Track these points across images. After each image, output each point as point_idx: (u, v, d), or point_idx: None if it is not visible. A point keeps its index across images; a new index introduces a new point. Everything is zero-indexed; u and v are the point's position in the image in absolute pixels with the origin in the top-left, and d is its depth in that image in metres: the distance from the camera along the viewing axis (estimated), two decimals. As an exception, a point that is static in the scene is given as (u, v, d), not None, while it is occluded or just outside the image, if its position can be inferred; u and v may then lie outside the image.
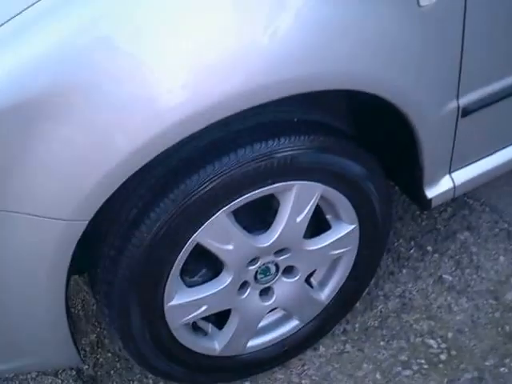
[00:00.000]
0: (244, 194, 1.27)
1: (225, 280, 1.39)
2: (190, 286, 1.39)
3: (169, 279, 1.31)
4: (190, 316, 1.40)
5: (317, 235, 1.48)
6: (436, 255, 1.91)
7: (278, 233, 1.36)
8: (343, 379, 1.66)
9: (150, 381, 1.71)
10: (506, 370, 1.61)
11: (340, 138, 1.36)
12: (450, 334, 1.71)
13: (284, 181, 1.30)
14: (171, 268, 1.29)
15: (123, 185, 1.16)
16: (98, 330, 1.85)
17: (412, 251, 1.94)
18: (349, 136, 1.39)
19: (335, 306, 1.64)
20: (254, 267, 1.42)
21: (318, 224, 1.47)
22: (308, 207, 1.37)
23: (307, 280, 1.56)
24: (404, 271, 1.88)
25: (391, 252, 1.93)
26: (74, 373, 1.75)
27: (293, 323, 1.61)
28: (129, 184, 1.23)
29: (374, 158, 1.42)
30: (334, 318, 1.68)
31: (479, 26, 1.33)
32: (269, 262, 1.44)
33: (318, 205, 1.41)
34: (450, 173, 1.57)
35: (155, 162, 1.22)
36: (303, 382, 1.67)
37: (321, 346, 1.73)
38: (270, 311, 1.57)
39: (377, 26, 1.21)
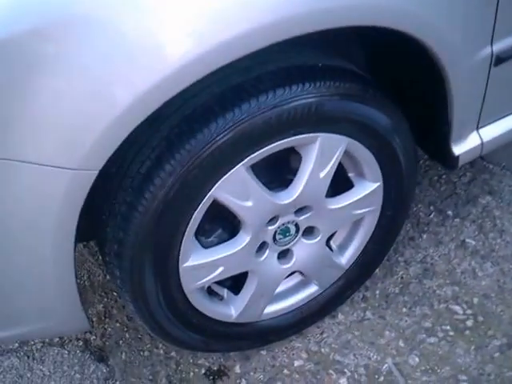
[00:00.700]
0: (265, 146, 1.19)
1: (242, 240, 1.31)
2: (205, 246, 1.31)
3: (184, 238, 1.22)
4: (206, 279, 1.31)
5: (338, 195, 1.40)
6: (457, 220, 1.83)
7: (300, 189, 1.28)
8: (364, 347, 1.58)
9: (161, 351, 1.64)
10: (536, 336, 1.55)
11: (367, 86, 1.26)
12: (475, 300, 1.63)
13: (307, 132, 1.21)
14: (187, 226, 1.21)
15: (135, 136, 1.08)
16: (105, 300, 1.77)
17: (432, 216, 1.86)
18: (375, 85, 1.29)
19: (355, 271, 1.56)
20: (273, 227, 1.34)
21: (337, 185, 1.39)
22: (332, 162, 1.28)
23: (327, 243, 1.48)
24: (424, 236, 1.80)
25: (410, 217, 1.84)
26: (81, 343, 1.68)
27: (311, 289, 1.54)
28: (141, 135, 1.15)
29: (400, 110, 1.33)
30: (354, 283, 1.61)
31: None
32: (288, 222, 1.35)
33: (339, 163, 1.32)
34: (477, 129, 1.49)
35: (168, 111, 1.14)
36: (322, 350, 1.59)
37: (339, 314, 1.65)
38: (288, 276, 1.49)
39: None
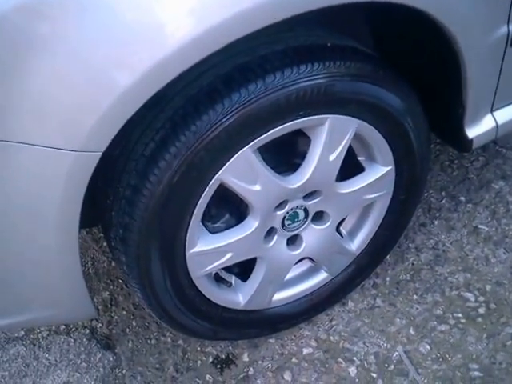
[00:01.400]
0: (272, 128, 1.15)
1: (251, 225, 1.27)
2: (212, 232, 1.28)
3: (191, 223, 1.19)
4: (214, 265, 1.28)
5: (348, 179, 1.36)
6: (470, 205, 1.80)
7: (310, 172, 1.24)
8: (374, 335, 1.55)
9: (168, 339, 1.61)
10: (550, 324, 1.51)
11: (378, 66, 1.22)
12: (488, 287, 1.60)
13: (316, 113, 1.17)
14: (193, 210, 1.18)
15: (139, 117, 1.04)
16: (111, 287, 1.75)
17: (443, 202, 1.82)
18: (387, 65, 1.25)
19: (365, 258, 1.53)
20: (281, 212, 1.30)
21: (346, 170, 1.35)
22: (342, 144, 1.24)
23: (337, 229, 1.45)
24: (436, 222, 1.77)
25: (422, 203, 1.81)
26: (88, 331, 1.66)
27: (321, 276, 1.51)
28: (145, 117, 1.12)
29: (413, 92, 1.29)
30: (364, 270, 1.57)
31: None
32: (297, 207, 1.32)
33: (349, 146, 1.28)
34: (491, 111, 1.45)
35: (173, 92, 1.11)
36: (332, 338, 1.56)
37: (349, 301, 1.62)
38: (297, 262, 1.46)
39: None
